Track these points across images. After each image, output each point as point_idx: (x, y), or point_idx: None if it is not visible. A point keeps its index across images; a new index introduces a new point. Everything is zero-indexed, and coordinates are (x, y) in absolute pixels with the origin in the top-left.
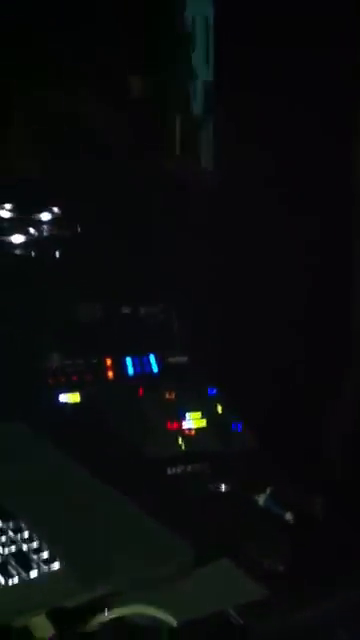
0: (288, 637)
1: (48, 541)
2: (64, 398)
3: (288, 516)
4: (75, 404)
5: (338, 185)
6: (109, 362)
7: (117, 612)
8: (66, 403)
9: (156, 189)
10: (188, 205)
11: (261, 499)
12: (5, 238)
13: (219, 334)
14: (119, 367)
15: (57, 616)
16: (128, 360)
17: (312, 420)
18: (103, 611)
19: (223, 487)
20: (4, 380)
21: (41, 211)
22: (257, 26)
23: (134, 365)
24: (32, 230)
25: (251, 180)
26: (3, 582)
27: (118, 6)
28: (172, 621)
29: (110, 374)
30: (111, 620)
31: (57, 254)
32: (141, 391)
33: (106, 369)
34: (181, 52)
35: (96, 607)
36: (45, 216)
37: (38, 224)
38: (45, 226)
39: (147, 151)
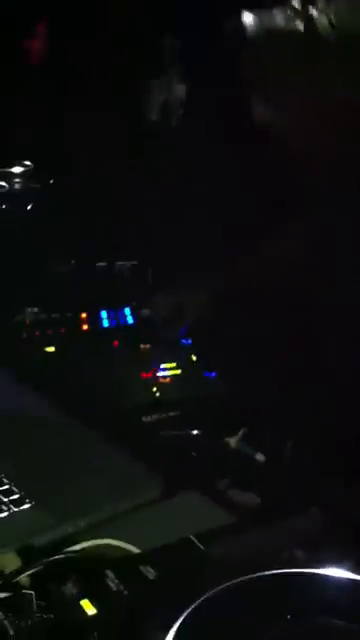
0: (247, 560)
1: (18, 482)
2: (40, 351)
3: (259, 456)
4: (50, 354)
5: None
6: (84, 315)
7: (80, 545)
8: (42, 353)
9: (130, 139)
10: (159, 155)
11: (233, 441)
12: None
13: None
14: (94, 320)
15: (26, 553)
16: (103, 313)
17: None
18: (69, 546)
19: (195, 432)
20: None
21: (13, 164)
22: None
23: (109, 318)
24: (3, 183)
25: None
26: None
27: None
28: (135, 550)
29: (85, 327)
30: (74, 552)
31: (30, 207)
32: (116, 343)
33: (81, 322)
34: None
35: (63, 543)
36: (17, 169)
37: (10, 177)
38: (17, 179)
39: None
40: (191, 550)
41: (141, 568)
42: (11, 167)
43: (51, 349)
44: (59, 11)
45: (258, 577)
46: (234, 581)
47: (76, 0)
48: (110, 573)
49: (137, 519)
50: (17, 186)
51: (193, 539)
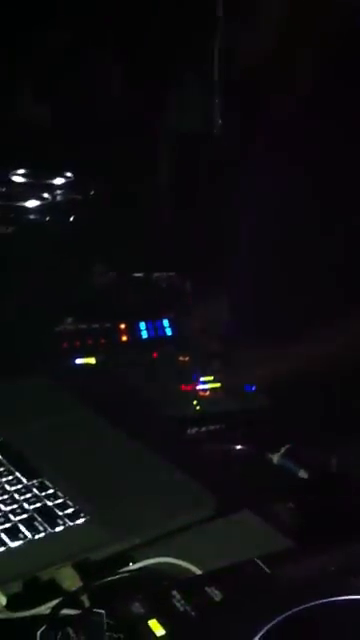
0: (309, 584)
1: (73, 496)
2: (80, 361)
3: (302, 473)
4: (91, 366)
5: None
6: (123, 326)
7: (141, 563)
8: (82, 365)
9: (168, 154)
10: (200, 169)
11: (275, 457)
12: (20, 203)
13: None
14: (133, 331)
15: (83, 568)
16: (142, 324)
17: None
18: (128, 563)
19: (238, 447)
20: (23, 343)
21: (55, 176)
22: None
23: (148, 329)
24: (46, 195)
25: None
26: (30, 536)
27: None
28: (196, 571)
29: (124, 338)
30: (136, 570)
31: (72, 219)
32: (155, 354)
33: (120, 333)
34: None
35: (121, 559)
36: (59, 180)
37: (52, 188)
38: (59, 190)
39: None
40: (256, 572)
41: (207, 589)
42: (53, 179)
43: (91, 360)
44: None
45: (332, 602)
46: (306, 605)
47: None
48: (176, 593)
49: (192, 537)
50: (59, 198)
51: (258, 561)
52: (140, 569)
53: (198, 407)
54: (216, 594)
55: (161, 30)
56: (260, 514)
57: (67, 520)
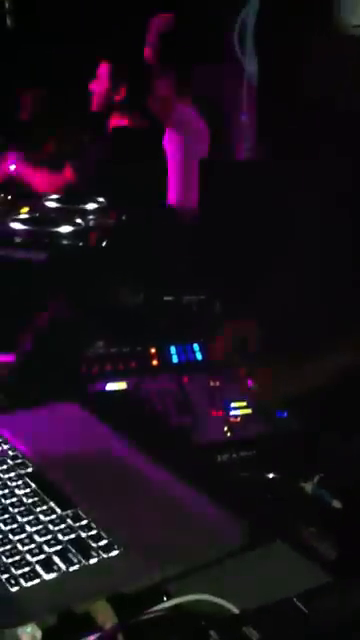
0: (348, 624)
1: (105, 527)
2: (111, 386)
3: (336, 504)
4: (122, 392)
5: None
6: (154, 350)
7: (177, 600)
8: (113, 391)
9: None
10: (234, 193)
11: (309, 486)
12: (52, 228)
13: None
14: (164, 355)
15: (118, 602)
16: (172, 348)
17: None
18: (162, 597)
19: (270, 475)
20: (54, 366)
21: (87, 201)
22: None
23: (178, 353)
24: (79, 220)
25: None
26: (64, 568)
27: None
28: (233, 608)
29: (155, 362)
30: (172, 607)
31: (104, 243)
32: (185, 379)
33: (151, 357)
34: None
35: (155, 593)
36: (91, 206)
37: (84, 214)
38: (91, 216)
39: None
40: (293, 612)
41: (244, 630)
42: (85, 204)
43: (122, 385)
44: None
45: None
46: None
47: None
48: (214, 634)
49: (227, 571)
50: (91, 223)
51: (295, 600)
52: (177, 605)
53: (229, 433)
54: (254, 634)
55: None
56: (293, 545)
57: (101, 552)
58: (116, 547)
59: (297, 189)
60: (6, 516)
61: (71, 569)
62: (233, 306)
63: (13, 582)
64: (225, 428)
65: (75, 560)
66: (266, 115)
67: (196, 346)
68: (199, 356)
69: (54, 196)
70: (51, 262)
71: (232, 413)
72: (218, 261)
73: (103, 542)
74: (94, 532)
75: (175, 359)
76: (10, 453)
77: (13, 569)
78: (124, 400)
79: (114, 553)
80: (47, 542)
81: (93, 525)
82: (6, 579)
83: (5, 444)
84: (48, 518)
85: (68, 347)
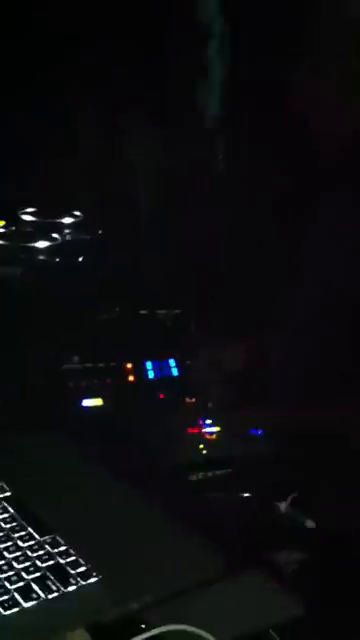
0: None
1: (83, 553)
2: (87, 402)
3: (309, 523)
4: (97, 407)
5: None
6: (130, 366)
7: (155, 630)
8: (89, 407)
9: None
10: (205, 207)
11: (282, 506)
12: (28, 243)
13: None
14: (140, 371)
15: (95, 631)
16: (148, 364)
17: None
18: (140, 626)
19: (245, 494)
20: (29, 386)
21: (63, 215)
22: None
23: (154, 369)
24: (55, 235)
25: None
26: (43, 596)
27: None
28: (210, 638)
29: (131, 378)
30: (150, 638)
31: (79, 258)
32: (161, 395)
33: (127, 373)
34: None
35: (132, 621)
36: (67, 220)
37: (61, 228)
38: (67, 230)
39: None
40: None
41: None
42: (62, 218)
43: (98, 401)
44: None
45: None
46: None
47: None
48: None
49: (204, 599)
50: (68, 237)
51: (272, 632)
52: (157, 635)
53: (204, 451)
54: None
55: None
56: (268, 569)
57: (79, 579)
58: (94, 574)
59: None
60: None
61: (50, 596)
62: (209, 324)
63: None
64: (200, 446)
65: (54, 587)
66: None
67: (172, 361)
68: (175, 372)
69: (30, 209)
70: (26, 277)
71: (207, 430)
72: (196, 275)
73: (81, 569)
74: (72, 558)
75: (151, 375)
76: None
77: None
78: (100, 418)
79: (92, 580)
80: (26, 569)
81: (71, 551)
82: None
83: None
84: (27, 544)
85: (44, 363)
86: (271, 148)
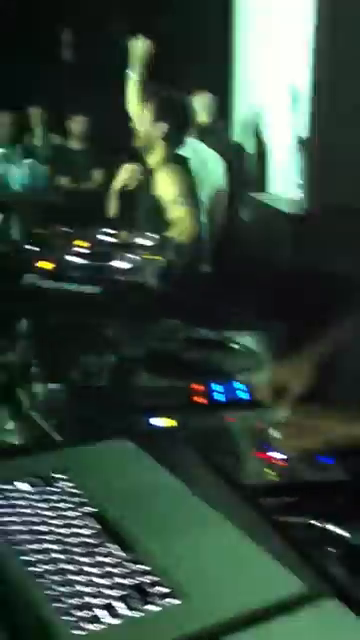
0: None
1: (166, 573)
2: (157, 422)
3: None
4: (171, 428)
5: None
6: (198, 387)
7: None
8: (162, 427)
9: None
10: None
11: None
12: (104, 263)
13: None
14: (208, 393)
15: None
16: (217, 386)
17: None
18: None
19: (316, 521)
20: (101, 404)
21: (140, 236)
22: None
23: (224, 392)
24: (131, 256)
25: None
26: (129, 615)
27: None
28: None
29: (199, 399)
30: None
31: (155, 281)
32: (231, 419)
33: (195, 394)
34: None
35: None
36: (144, 241)
37: (137, 249)
38: (144, 251)
39: None
40: None
41: None
42: (139, 239)
43: (171, 421)
44: None
45: None
46: None
47: None
48: None
49: (283, 624)
50: (144, 259)
51: None
52: None
53: (273, 477)
54: None
55: None
56: (344, 600)
57: (162, 600)
58: (177, 596)
59: None
60: (68, 556)
61: (134, 616)
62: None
63: (77, 626)
64: (269, 470)
65: (138, 607)
66: None
67: (242, 385)
68: (245, 395)
69: (109, 230)
70: (104, 296)
71: (276, 455)
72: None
73: (165, 590)
74: (156, 579)
75: (220, 397)
76: (71, 491)
77: (77, 612)
78: (172, 437)
79: (175, 602)
80: (110, 587)
81: (156, 572)
82: (70, 622)
83: (65, 482)
84: (111, 561)
85: (117, 381)
86: None
